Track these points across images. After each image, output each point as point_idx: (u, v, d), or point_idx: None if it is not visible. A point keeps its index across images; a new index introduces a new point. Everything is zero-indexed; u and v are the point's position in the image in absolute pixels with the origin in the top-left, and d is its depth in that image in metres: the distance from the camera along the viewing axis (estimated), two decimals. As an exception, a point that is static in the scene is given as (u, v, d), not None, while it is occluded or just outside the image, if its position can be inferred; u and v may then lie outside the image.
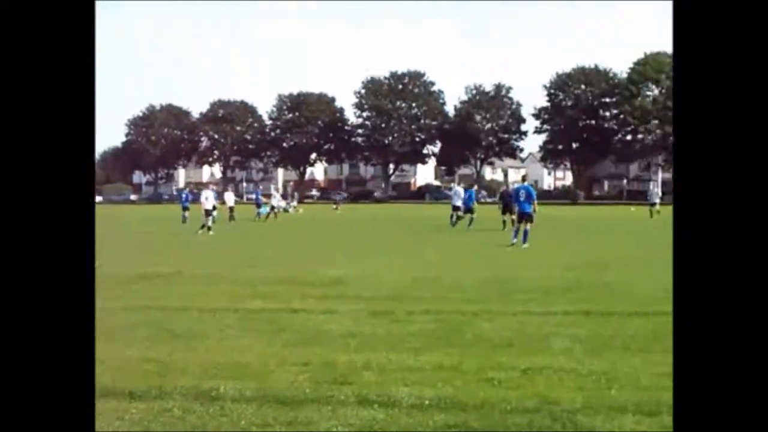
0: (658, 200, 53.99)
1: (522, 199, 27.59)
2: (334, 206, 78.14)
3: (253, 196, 59.93)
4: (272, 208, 55.78)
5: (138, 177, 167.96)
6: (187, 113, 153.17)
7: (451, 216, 41.51)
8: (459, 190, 43.22)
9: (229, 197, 53.77)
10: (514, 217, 34.81)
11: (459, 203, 41.69)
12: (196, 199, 47.58)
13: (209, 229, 36.14)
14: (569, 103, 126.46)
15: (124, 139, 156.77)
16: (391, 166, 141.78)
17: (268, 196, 65.25)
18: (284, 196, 75.05)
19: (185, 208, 50.47)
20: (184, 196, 55.28)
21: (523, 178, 29.84)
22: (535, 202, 27.72)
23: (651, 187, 56.16)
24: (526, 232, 26.91)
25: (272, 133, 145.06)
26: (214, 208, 37.81)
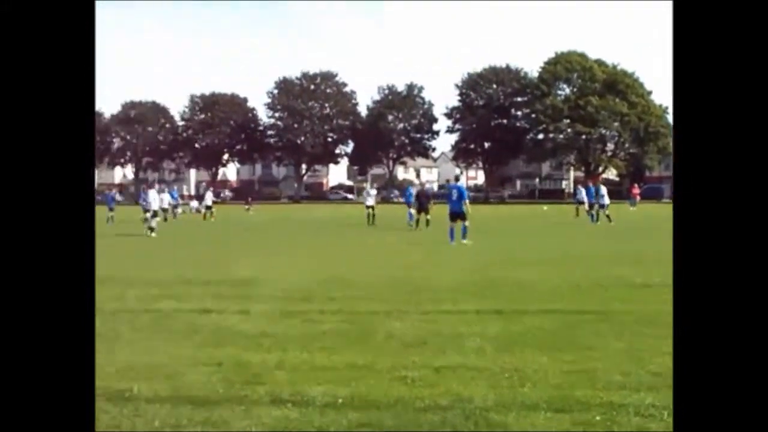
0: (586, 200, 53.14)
1: (454, 198, 28.30)
2: (247, 207, 77.55)
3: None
4: (208, 207, 55.72)
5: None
6: (98, 114, 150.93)
7: (367, 216, 42.48)
8: (372, 191, 44.02)
9: (164, 198, 52.21)
10: (429, 217, 35.56)
11: (371, 202, 42.44)
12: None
13: (152, 230, 35.69)
14: (481, 103, 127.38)
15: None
16: (304, 166, 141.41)
17: (187, 197, 64.92)
18: (198, 197, 74.18)
19: (111, 209, 50.00)
20: (110, 197, 54.40)
21: (456, 178, 30.38)
22: (467, 201, 28.22)
23: (579, 186, 55.80)
24: (464, 228, 27.76)
25: (184, 134, 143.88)
26: (163, 209, 37.01)
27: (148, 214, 35.93)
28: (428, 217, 38.29)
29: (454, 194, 28.50)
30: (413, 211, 40.00)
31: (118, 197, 48.15)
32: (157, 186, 53.25)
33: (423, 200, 39.42)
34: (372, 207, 42.99)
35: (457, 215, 28.19)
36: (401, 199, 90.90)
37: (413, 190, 43.63)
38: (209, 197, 58.46)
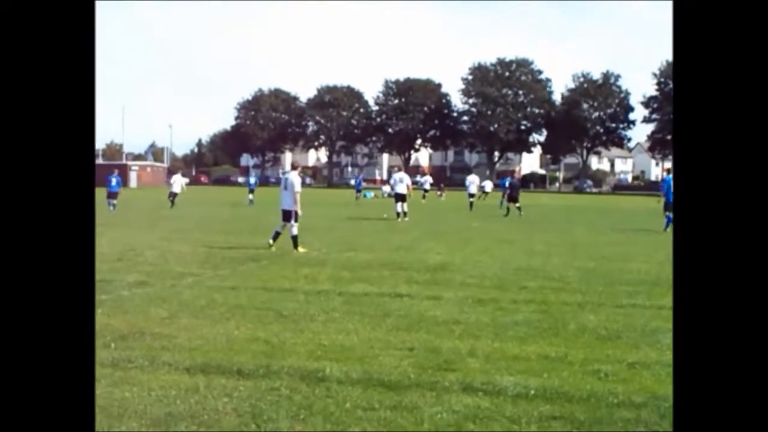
0: None
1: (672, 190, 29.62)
2: (439, 193, 77.86)
3: (353, 182, 62.11)
4: (426, 191, 57.81)
5: (245, 160, 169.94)
6: (294, 98, 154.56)
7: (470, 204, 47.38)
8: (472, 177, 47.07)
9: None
10: (519, 205, 40.95)
11: (474, 191, 48.41)
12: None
13: (405, 215, 35.33)
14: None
15: (233, 122, 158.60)
16: (496, 153, 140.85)
17: (379, 181, 66.94)
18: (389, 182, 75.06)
19: (360, 190, 54.13)
20: (359, 181, 58.18)
21: (668, 171, 32.54)
22: None
23: None
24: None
25: (378, 119, 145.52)
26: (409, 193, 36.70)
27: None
28: (518, 205, 41.46)
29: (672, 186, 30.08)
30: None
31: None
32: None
33: (513, 190, 42.88)
34: (473, 195, 46.56)
35: (671, 206, 29.87)
36: (594, 190, 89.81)
37: (506, 181, 48.24)
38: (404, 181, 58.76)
